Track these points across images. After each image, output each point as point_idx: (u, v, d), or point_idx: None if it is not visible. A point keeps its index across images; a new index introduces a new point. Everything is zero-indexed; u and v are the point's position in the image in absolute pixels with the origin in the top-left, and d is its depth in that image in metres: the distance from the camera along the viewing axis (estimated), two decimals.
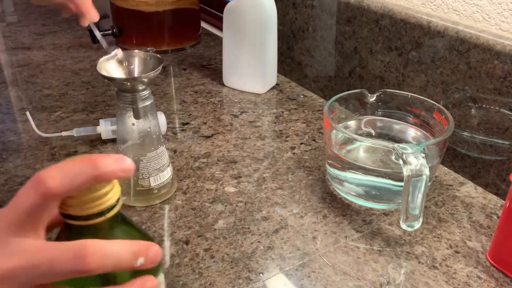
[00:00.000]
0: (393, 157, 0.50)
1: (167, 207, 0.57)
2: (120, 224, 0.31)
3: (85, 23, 0.60)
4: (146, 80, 0.58)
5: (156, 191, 0.57)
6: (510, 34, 0.56)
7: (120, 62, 0.55)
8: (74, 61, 1.00)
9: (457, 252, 0.51)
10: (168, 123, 0.74)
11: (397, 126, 0.62)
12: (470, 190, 0.61)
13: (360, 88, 0.62)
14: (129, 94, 0.57)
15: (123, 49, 0.56)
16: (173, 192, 0.59)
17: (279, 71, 0.92)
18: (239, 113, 0.80)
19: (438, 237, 0.53)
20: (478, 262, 0.49)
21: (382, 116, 0.63)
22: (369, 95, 0.61)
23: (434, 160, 0.54)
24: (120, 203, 0.30)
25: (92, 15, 0.59)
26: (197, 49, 1.08)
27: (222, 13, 0.84)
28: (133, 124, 0.61)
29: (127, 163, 0.29)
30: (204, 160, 0.66)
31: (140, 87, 0.58)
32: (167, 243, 0.51)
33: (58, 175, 0.27)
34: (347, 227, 0.54)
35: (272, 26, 0.83)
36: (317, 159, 0.67)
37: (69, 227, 0.29)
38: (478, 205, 0.58)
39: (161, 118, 0.70)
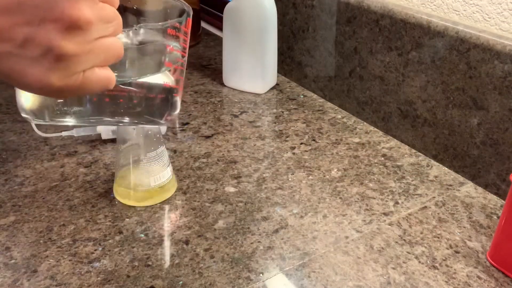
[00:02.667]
0: None
1: (167, 207, 0.57)
2: None
3: None
4: None
5: (156, 191, 0.57)
6: (510, 34, 0.56)
7: None
8: None
9: (457, 252, 0.51)
10: None
11: None
12: (470, 190, 0.61)
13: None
14: None
15: None
16: (173, 192, 0.59)
17: (279, 71, 0.92)
18: (239, 113, 0.80)
19: (438, 237, 0.53)
20: (478, 262, 0.49)
21: None
22: None
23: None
24: None
25: None
26: (197, 49, 1.08)
27: (222, 13, 0.84)
28: (134, 128, 0.61)
29: None
30: (204, 160, 0.66)
31: None
32: (167, 243, 0.51)
33: None
34: (347, 227, 0.54)
35: (272, 26, 0.83)
36: (317, 159, 0.67)
37: None
38: (478, 205, 0.58)
39: None
